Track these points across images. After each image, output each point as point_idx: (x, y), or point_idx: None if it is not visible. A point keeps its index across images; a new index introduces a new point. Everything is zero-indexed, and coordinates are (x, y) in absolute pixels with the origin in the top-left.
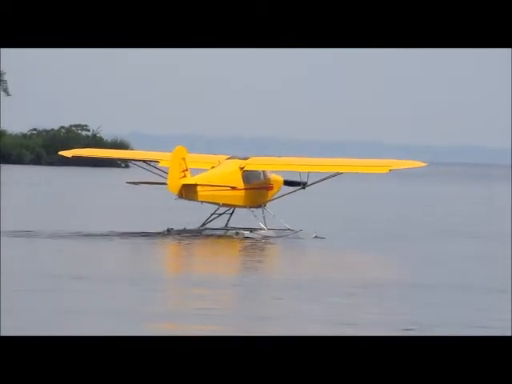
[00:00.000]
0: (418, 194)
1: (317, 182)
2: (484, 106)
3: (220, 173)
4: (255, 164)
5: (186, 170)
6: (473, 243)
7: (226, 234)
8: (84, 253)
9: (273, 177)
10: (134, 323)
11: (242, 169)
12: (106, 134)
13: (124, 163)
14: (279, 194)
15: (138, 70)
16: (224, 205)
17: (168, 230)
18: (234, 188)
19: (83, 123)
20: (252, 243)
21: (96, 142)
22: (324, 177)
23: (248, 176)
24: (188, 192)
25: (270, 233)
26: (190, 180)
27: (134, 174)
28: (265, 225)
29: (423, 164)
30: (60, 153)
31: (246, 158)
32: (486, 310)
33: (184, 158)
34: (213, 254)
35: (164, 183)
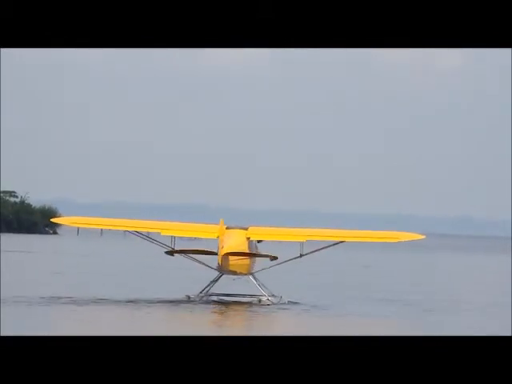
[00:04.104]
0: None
1: (316, 251)
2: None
3: (239, 243)
4: (258, 234)
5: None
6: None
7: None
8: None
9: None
10: None
11: (248, 239)
12: (34, 201)
13: (52, 229)
14: (277, 262)
15: (70, 139)
16: (240, 273)
17: (188, 297)
18: (249, 257)
19: (11, 190)
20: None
21: (24, 208)
22: (324, 246)
23: (251, 245)
24: (224, 261)
25: (273, 299)
26: (225, 250)
27: (64, 240)
28: (266, 292)
29: (422, 236)
30: (53, 220)
31: (245, 228)
32: None
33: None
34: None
35: (202, 251)
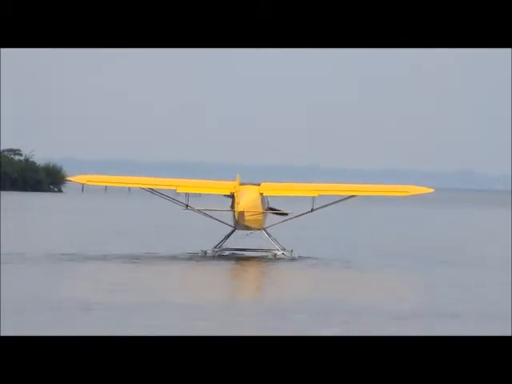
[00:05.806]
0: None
1: (328, 205)
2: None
3: (254, 198)
4: (271, 190)
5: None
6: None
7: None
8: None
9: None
10: None
11: (261, 194)
12: (39, 159)
13: (57, 188)
14: (288, 217)
15: (73, 96)
16: (254, 228)
17: (205, 252)
18: (263, 213)
19: (16, 148)
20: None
21: (29, 166)
22: (336, 200)
23: (264, 201)
24: (241, 217)
25: (286, 253)
26: (242, 206)
27: (69, 198)
28: (280, 246)
29: (432, 190)
30: (70, 178)
31: (258, 184)
32: None
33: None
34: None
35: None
